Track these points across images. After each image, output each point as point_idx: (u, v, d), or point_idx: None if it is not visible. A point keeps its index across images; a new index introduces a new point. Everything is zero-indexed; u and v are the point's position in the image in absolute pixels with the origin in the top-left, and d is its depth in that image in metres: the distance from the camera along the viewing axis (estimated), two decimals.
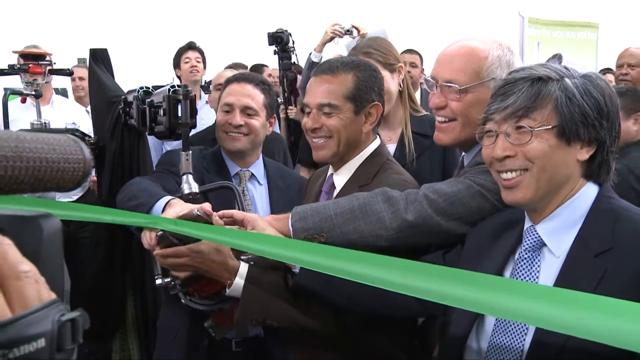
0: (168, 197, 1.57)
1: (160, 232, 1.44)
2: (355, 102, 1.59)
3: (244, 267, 1.46)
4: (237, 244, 1.36)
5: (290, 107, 3.77)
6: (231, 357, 1.87)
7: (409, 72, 3.99)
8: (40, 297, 0.52)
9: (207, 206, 1.47)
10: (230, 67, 4.35)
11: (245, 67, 4.74)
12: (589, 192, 1.17)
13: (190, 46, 4.47)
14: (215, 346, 1.81)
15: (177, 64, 4.46)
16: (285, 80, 3.67)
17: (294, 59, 3.60)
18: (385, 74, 2.09)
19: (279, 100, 3.76)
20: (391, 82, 2.13)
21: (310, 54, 3.09)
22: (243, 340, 1.86)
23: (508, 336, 1.15)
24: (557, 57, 6.90)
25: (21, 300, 0.50)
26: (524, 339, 1.11)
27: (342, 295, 1.40)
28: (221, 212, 1.46)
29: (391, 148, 2.15)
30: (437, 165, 2.14)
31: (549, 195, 1.17)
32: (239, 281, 1.45)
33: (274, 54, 3.55)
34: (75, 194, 3.55)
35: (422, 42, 5.14)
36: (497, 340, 1.16)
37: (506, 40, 1.56)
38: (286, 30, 3.43)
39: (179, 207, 1.49)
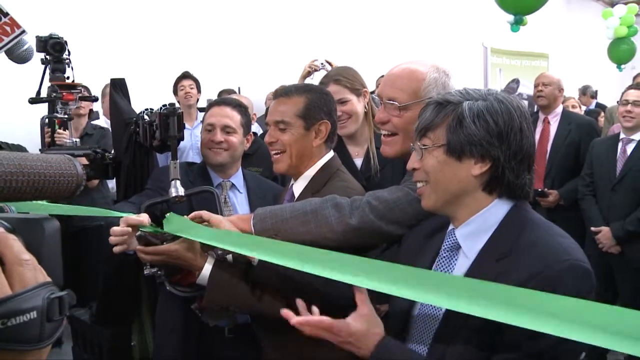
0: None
1: (139, 233, 1.53)
2: (305, 120, 1.68)
3: (209, 264, 1.54)
4: (207, 241, 1.44)
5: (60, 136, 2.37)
6: (224, 342, 1.93)
7: None
8: (36, 280, 0.58)
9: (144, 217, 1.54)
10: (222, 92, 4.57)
11: (234, 92, 5.00)
12: (502, 204, 1.19)
13: (184, 75, 4.78)
14: (209, 333, 1.87)
15: (175, 91, 4.78)
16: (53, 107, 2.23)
17: (69, 74, 2.40)
18: (353, 97, 2.20)
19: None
20: (357, 105, 2.21)
21: None
22: (235, 327, 1.94)
23: (431, 307, 1.24)
24: (516, 82, 7.22)
25: (21, 282, 0.57)
26: (441, 309, 1.20)
27: (293, 282, 1.42)
28: (192, 214, 1.54)
29: (358, 162, 2.25)
30: (398, 176, 2.02)
31: (451, 204, 1.20)
32: (204, 274, 1.53)
33: (42, 63, 2.35)
34: None
35: None
36: (423, 309, 1.25)
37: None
38: (62, 37, 2.31)
39: None
